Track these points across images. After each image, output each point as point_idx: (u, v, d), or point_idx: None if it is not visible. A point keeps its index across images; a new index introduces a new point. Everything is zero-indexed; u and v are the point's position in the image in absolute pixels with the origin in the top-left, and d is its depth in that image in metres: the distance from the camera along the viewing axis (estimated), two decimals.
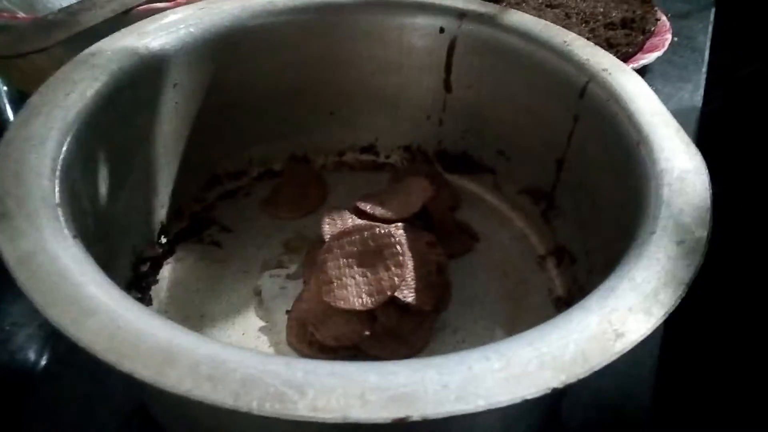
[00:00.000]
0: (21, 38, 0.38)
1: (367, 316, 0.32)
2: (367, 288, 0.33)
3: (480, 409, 0.18)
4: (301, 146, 0.44)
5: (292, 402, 0.17)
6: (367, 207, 0.37)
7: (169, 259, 0.37)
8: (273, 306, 0.35)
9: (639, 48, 0.53)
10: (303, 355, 0.33)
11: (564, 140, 0.35)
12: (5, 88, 0.54)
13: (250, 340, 0.34)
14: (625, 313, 0.21)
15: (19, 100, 0.53)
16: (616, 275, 0.23)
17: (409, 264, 0.34)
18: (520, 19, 0.37)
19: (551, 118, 0.36)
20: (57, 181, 0.25)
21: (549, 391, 0.18)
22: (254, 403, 0.17)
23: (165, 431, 0.28)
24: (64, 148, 0.26)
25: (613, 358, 0.19)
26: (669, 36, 0.56)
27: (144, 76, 0.33)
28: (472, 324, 0.35)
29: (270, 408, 0.17)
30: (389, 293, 0.32)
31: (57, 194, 0.24)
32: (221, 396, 0.18)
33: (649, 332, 0.21)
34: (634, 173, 0.28)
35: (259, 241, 0.39)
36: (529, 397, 0.18)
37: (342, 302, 0.32)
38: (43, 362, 0.34)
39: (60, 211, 0.24)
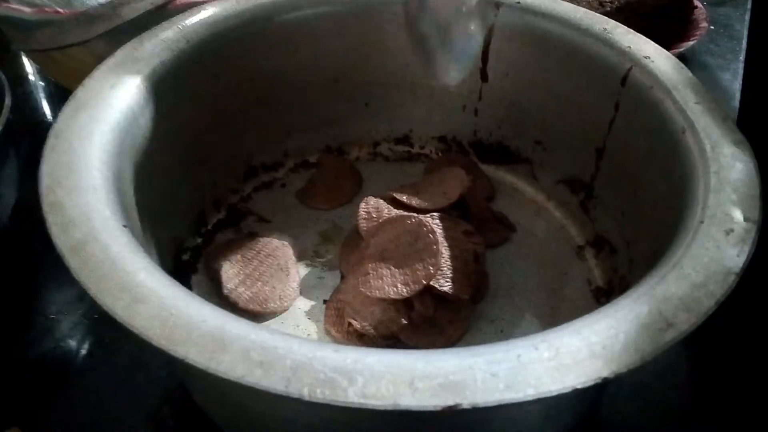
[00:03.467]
0: (62, 32, 0.39)
1: (405, 305, 0.32)
2: (402, 278, 0.33)
3: (530, 398, 0.18)
4: (335, 138, 0.44)
5: (342, 389, 0.18)
6: (404, 197, 0.37)
7: (208, 249, 0.38)
8: (310, 295, 0.36)
9: (675, 37, 0.52)
10: (341, 343, 0.33)
11: (604, 129, 0.35)
12: (42, 83, 0.55)
13: (288, 329, 0.34)
14: (675, 302, 0.20)
15: (56, 96, 0.54)
16: (665, 264, 0.22)
17: (446, 253, 0.34)
18: (558, 6, 0.37)
19: (591, 107, 0.35)
20: (105, 173, 0.25)
21: (600, 381, 0.18)
22: (305, 390, 0.18)
23: (208, 416, 0.29)
24: (111, 139, 0.27)
25: (665, 348, 0.19)
26: (705, 24, 0.55)
27: (185, 68, 0.33)
28: (510, 314, 0.34)
29: (320, 394, 0.18)
30: (425, 282, 0.32)
31: (106, 185, 0.25)
32: (273, 382, 0.18)
33: (699, 322, 0.20)
34: (679, 161, 0.28)
35: (296, 232, 0.39)
36: (579, 386, 0.18)
37: (378, 292, 0.32)
38: (88, 349, 0.35)
39: (109, 202, 0.24)
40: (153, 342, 0.19)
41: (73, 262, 0.21)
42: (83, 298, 0.37)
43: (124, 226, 0.23)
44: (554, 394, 0.18)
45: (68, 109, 0.27)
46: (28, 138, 0.44)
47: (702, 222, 0.24)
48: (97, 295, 0.20)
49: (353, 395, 0.17)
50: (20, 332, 0.35)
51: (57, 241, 0.22)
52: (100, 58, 0.31)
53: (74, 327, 0.36)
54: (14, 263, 0.39)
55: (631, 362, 0.19)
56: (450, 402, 0.17)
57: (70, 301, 0.37)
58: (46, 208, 0.23)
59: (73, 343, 0.35)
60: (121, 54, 0.31)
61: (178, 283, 0.21)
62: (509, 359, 0.18)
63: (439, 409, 0.17)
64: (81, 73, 0.30)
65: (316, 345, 0.19)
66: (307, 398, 0.18)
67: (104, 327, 0.36)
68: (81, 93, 0.28)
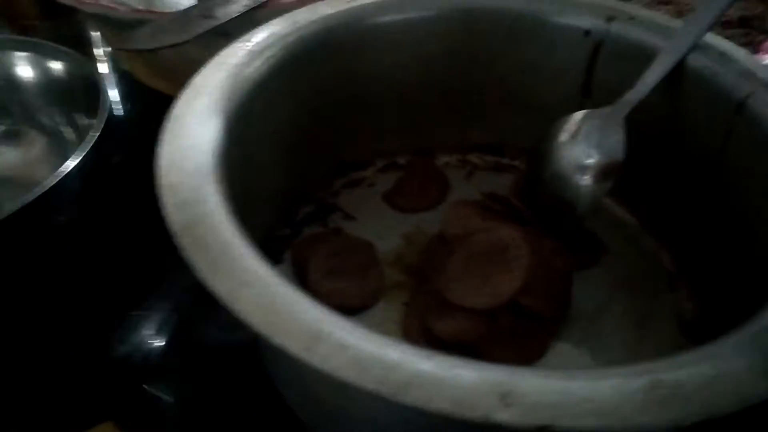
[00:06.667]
0: (159, 32, 0.40)
1: (487, 316, 0.32)
2: (488, 289, 0.32)
3: (626, 428, 0.17)
4: (426, 142, 0.44)
5: (433, 395, 0.18)
6: (497, 205, 0.36)
7: (297, 240, 0.39)
8: (391, 296, 0.36)
9: (758, 48, 0.49)
10: (418, 347, 0.33)
11: (711, 158, 0.33)
12: (115, 78, 0.57)
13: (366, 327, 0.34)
14: None
15: (128, 95, 0.55)
16: None
17: (533, 269, 0.33)
18: (673, 23, 0.35)
19: (699, 133, 0.34)
20: (217, 159, 0.26)
21: (702, 419, 0.17)
22: (396, 391, 0.18)
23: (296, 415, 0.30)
24: (223, 127, 0.28)
25: None
26: None
27: (292, 63, 0.34)
28: (593, 340, 0.34)
29: (412, 398, 0.18)
30: (509, 295, 0.32)
31: (217, 171, 0.26)
32: (366, 380, 0.18)
33: None
34: None
35: (380, 232, 0.39)
36: (680, 422, 0.17)
37: (461, 300, 0.32)
38: (175, 345, 0.36)
39: (219, 188, 0.25)
40: (254, 327, 0.20)
41: (184, 240, 0.22)
42: (170, 294, 0.38)
43: (233, 212, 0.24)
44: (652, 428, 0.17)
45: (187, 95, 0.29)
46: None
47: None
48: (205, 274, 0.21)
49: (445, 403, 0.18)
50: (109, 329, 0.36)
51: (170, 221, 0.23)
52: (190, 60, 0.32)
53: (161, 324, 0.37)
54: (103, 260, 0.40)
55: (734, 403, 0.18)
56: (543, 422, 0.17)
57: (158, 298, 0.38)
58: (163, 189, 0.24)
59: (159, 339, 0.36)
60: (235, 46, 0.33)
61: (280, 274, 0.22)
62: (607, 386, 0.18)
63: (532, 428, 0.17)
64: (168, 73, 0.31)
65: (409, 348, 0.19)
66: (397, 400, 0.18)
67: (190, 324, 0.37)
68: (199, 81, 0.30)
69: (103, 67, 0.59)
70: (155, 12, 0.42)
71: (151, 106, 0.27)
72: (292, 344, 0.19)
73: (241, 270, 0.21)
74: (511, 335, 0.32)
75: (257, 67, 0.32)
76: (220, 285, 0.21)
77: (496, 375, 0.18)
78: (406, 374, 0.18)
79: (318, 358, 0.19)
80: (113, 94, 0.56)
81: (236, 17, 0.39)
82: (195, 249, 0.22)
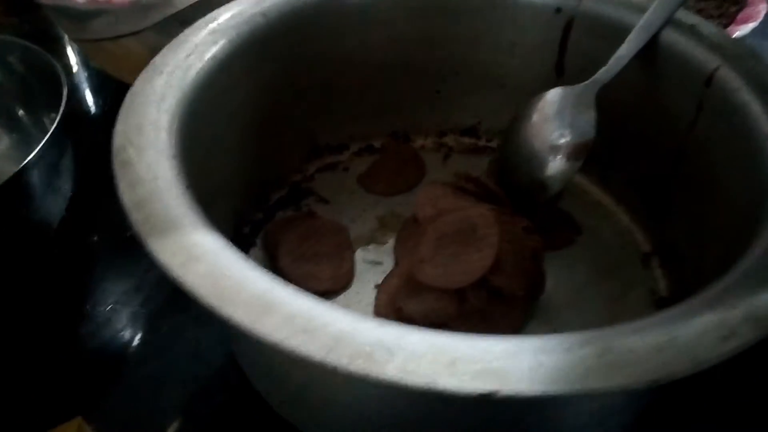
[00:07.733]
0: (116, 21, 0.40)
1: (458, 295, 0.32)
2: (458, 267, 0.32)
3: (574, 393, 0.17)
4: (401, 125, 0.44)
5: (380, 363, 0.17)
6: (469, 185, 0.36)
7: (268, 225, 0.38)
8: (363, 279, 0.36)
9: (732, 19, 0.49)
10: None
11: (683, 131, 0.33)
12: (86, 75, 0.56)
13: None
14: (740, 312, 0.19)
15: (100, 88, 0.55)
16: (733, 274, 0.21)
17: (503, 247, 0.33)
18: (644, 0, 0.35)
19: (671, 106, 0.33)
20: (173, 136, 0.26)
21: (651, 384, 0.17)
22: (344, 360, 0.18)
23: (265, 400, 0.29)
24: (184, 105, 0.28)
25: (722, 358, 0.18)
26: (764, 6, 0.51)
27: (258, 43, 0.33)
28: (566, 316, 0.33)
29: (359, 366, 0.17)
30: (479, 274, 0.32)
31: (173, 148, 0.25)
32: (313, 349, 0.18)
33: (763, 336, 0.19)
34: (762, 169, 0.26)
35: (354, 215, 0.39)
36: (629, 387, 0.17)
37: (432, 279, 0.32)
38: (146, 340, 0.35)
39: (175, 164, 0.25)
40: (201, 300, 0.19)
41: (135, 216, 0.22)
42: (140, 288, 0.38)
43: (187, 188, 0.24)
44: (601, 392, 0.17)
45: (146, 73, 0.28)
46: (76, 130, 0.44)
47: None
48: (154, 250, 0.21)
49: (391, 370, 0.17)
50: (79, 324, 0.36)
51: (123, 197, 0.23)
52: (151, 49, 0.31)
53: (132, 318, 0.36)
54: (71, 255, 0.40)
55: (684, 368, 0.17)
56: (489, 388, 0.17)
57: (127, 292, 0.37)
58: (117, 166, 0.24)
59: (130, 333, 0.35)
60: (197, 26, 0.32)
61: (232, 246, 0.22)
62: (557, 352, 0.18)
63: (476, 394, 0.17)
64: (132, 63, 0.30)
65: (359, 318, 0.19)
66: (345, 369, 0.17)
67: (161, 318, 0.36)
68: (159, 59, 0.29)
69: (72, 62, 0.58)
70: (112, 1, 0.41)
71: (121, 99, 0.26)
72: (241, 315, 0.19)
73: (191, 244, 0.21)
74: (482, 315, 0.32)
75: (221, 45, 0.31)
76: (169, 260, 0.20)
77: (444, 342, 0.18)
78: (354, 343, 0.18)
79: (266, 329, 0.18)
80: (84, 89, 0.55)
81: (194, 3, 0.39)
82: (146, 225, 0.22)
